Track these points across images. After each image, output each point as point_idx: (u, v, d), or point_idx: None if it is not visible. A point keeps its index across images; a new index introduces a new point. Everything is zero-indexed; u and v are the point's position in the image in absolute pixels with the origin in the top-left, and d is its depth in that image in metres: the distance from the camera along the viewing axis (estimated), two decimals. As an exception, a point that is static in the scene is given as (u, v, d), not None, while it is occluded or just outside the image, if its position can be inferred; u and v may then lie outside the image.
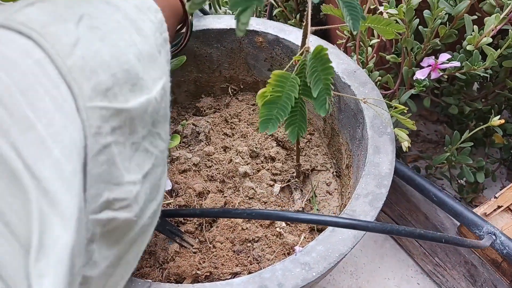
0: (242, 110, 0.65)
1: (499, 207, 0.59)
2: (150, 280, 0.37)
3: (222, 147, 0.59)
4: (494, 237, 0.52)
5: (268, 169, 0.57)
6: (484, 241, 0.43)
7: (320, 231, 0.51)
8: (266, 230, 0.51)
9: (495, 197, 0.61)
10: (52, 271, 0.17)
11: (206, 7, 0.76)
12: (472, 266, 0.62)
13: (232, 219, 0.51)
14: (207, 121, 0.61)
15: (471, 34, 0.56)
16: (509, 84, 0.65)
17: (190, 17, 0.51)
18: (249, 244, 0.49)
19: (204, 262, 0.47)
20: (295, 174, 0.56)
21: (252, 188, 0.55)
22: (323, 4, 0.48)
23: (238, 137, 0.61)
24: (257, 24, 0.59)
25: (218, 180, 0.56)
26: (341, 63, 0.53)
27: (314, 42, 0.50)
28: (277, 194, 0.55)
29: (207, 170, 0.57)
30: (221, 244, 0.49)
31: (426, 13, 0.57)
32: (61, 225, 0.18)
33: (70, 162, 0.19)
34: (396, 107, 0.43)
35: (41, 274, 0.17)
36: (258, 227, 0.51)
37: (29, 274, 0.16)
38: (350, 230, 0.39)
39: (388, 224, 0.33)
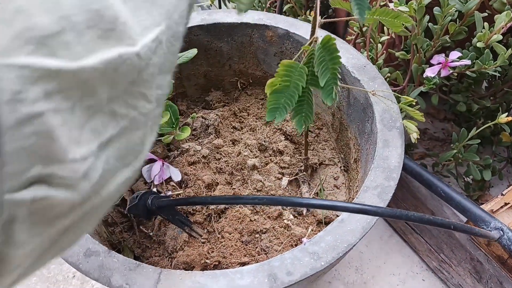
0: (251, 104, 0.65)
1: (506, 204, 0.60)
2: (160, 268, 0.38)
3: (231, 140, 0.60)
4: (501, 232, 0.52)
5: (276, 163, 0.58)
6: (493, 233, 0.43)
7: (327, 224, 0.52)
8: (274, 222, 0.51)
9: (502, 194, 0.61)
10: None
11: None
12: (478, 262, 0.62)
13: (241, 211, 0.51)
14: (217, 115, 0.62)
15: (481, 31, 0.56)
16: (518, 82, 0.65)
17: None
18: (257, 235, 0.50)
19: (212, 252, 0.48)
20: (303, 168, 0.57)
21: (260, 181, 0.55)
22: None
23: (247, 131, 0.62)
24: (268, 18, 0.59)
25: (226, 172, 0.56)
26: (351, 57, 0.53)
27: (323, 34, 0.50)
28: (285, 187, 0.56)
29: (216, 163, 0.57)
30: (230, 234, 0.49)
31: (436, 10, 0.57)
32: None
33: None
34: (405, 99, 0.44)
35: None
36: (266, 219, 0.51)
37: None
38: (358, 221, 0.39)
39: (398, 209, 0.33)
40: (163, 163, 0.55)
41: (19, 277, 0.21)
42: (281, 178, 0.57)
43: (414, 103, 0.48)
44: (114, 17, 0.19)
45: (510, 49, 0.56)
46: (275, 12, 0.77)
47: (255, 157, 0.57)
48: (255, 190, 0.55)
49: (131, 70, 0.20)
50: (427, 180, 0.63)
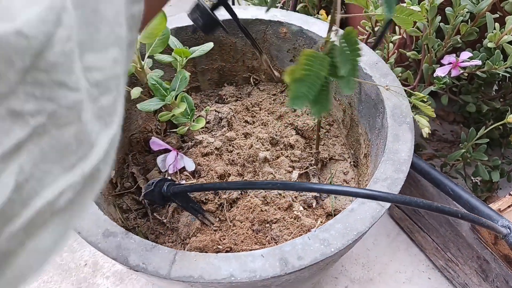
0: (263, 100, 0.67)
1: (513, 203, 0.60)
2: (175, 249, 0.39)
3: (243, 134, 0.61)
4: (508, 230, 0.53)
5: (287, 156, 0.59)
6: (501, 227, 0.44)
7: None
8: (284, 213, 0.52)
9: (510, 194, 0.61)
10: None
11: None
12: (484, 261, 0.63)
13: (252, 201, 0.53)
14: (230, 108, 0.63)
15: (492, 32, 0.57)
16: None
17: None
18: (267, 225, 0.51)
19: (224, 239, 0.49)
20: (313, 162, 0.58)
21: (271, 173, 0.56)
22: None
23: (259, 125, 0.63)
24: (282, 15, 0.60)
25: (238, 164, 0.58)
26: (363, 54, 0.55)
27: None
28: (295, 180, 0.57)
29: (228, 154, 0.59)
30: (241, 223, 0.51)
31: (448, 10, 0.58)
32: None
33: None
34: (417, 95, 0.45)
35: None
36: (276, 210, 0.53)
37: None
38: (368, 211, 0.41)
39: (407, 196, 0.34)
40: (177, 153, 0.56)
41: None
42: (292, 171, 0.58)
43: (425, 99, 0.49)
44: None
45: (520, 50, 0.57)
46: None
47: (267, 150, 0.59)
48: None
49: (14, 53, 0.15)
50: (435, 178, 0.64)
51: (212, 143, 0.59)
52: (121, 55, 0.19)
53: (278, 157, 0.59)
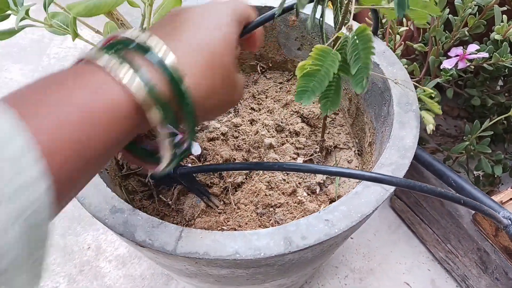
0: (270, 88, 0.67)
1: (515, 196, 0.61)
2: (182, 226, 0.40)
3: (249, 120, 0.62)
4: (509, 221, 0.53)
5: (292, 143, 0.59)
6: (502, 217, 0.45)
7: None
8: (288, 198, 0.53)
9: (512, 187, 0.62)
10: None
11: None
12: (484, 253, 0.64)
13: (256, 185, 0.53)
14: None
15: (500, 24, 0.58)
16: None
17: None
18: (271, 209, 0.52)
19: (228, 221, 0.50)
20: (318, 150, 0.59)
21: (276, 159, 0.57)
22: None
23: (265, 112, 0.64)
24: (291, 2, 0.61)
25: (244, 149, 0.58)
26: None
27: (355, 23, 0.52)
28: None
29: (234, 140, 0.59)
30: (245, 206, 0.51)
31: (457, 1, 0.59)
32: None
33: None
34: (424, 90, 0.45)
35: None
36: (280, 195, 0.53)
37: None
38: (372, 194, 0.41)
39: (411, 180, 0.35)
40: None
41: None
42: (296, 158, 0.58)
43: (433, 95, 0.50)
44: None
45: (527, 43, 0.57)
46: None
47: (272, 137, 0.59)
48: (271, 168, 0.56)
49: None
50: (438, 170, 0.64)
51: (218, 128, 0.60)
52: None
53: (283, 144, 0.59)
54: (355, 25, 0.36)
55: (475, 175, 0.76)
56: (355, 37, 0.35)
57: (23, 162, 0.16)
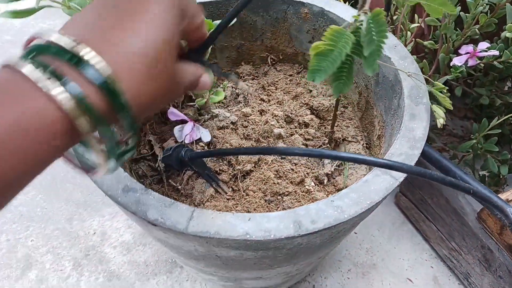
0: (279, 80, 0.68)
1: (521, 194, 0.61)
2: (193, 207, 0.40)
3: (258, 110, 0.62)
4: (515, 218, 0.54)
5: (301, 134, 0.60)
6: (510, 213, 0.45)
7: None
8: (296, 187, 0.53)
9: (518, 186, 0.62)
10: None
11: None
12: (488, 250, 0.64)
13: (265, 173, 0.54)
14: (246, 85, 0.64)
15: (511, 23, 0.58)
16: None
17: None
18: (279, 197, 0.52)
19: (237, 207, 0.50)
20: (326, 141, 0.59)
21: (285, 150, 0.57)
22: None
23: (274, 103, 0.64)
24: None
25: (253, 139, 0.59)
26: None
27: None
28: (308, 158, 0.58)
29: (243, 129, 0.60)
30: (254, 193, 0.52)
31: (469, -1, 0.59)
32: None
33: None
34: (437, 85, 0.46)
35: None
36: (289, 184, 0.54)
37: None
38: (382, 182, 0.41)
39: (422, 168, 0.35)
40: (194, 124, 0.58)
41: None
42: (305, 149, 0.59)
43: (444, 90, 0.50)
44: None
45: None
46: None
47: (281, 127, 0.60)
48: (279, 158, 0.57)
49: None
50: (445, 166, 0.65)
51: (228, 117, 0.61)
52: None
53: (292, 135, 0.60)
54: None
55: (481, 174, 0.77)
56: (370, 20, 0.36)
57: None
